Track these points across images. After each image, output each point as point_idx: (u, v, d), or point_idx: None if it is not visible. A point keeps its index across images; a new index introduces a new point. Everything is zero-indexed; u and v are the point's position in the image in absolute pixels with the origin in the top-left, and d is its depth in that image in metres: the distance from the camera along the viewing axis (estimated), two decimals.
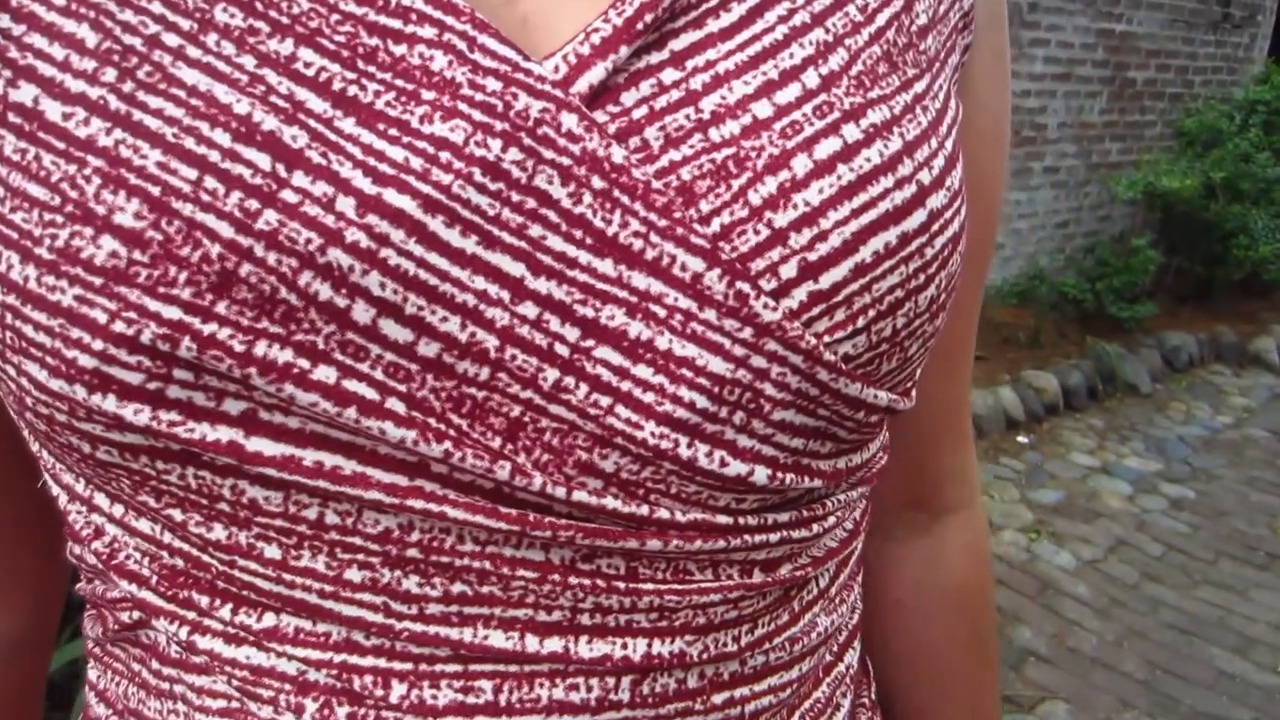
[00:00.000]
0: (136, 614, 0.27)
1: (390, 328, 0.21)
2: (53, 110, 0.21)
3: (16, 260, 0.21)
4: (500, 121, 0.21)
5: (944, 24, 0.30)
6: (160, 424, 0.21)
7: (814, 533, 0.28)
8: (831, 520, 0.30)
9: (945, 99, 0.29)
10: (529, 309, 0.22)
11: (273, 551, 0.24)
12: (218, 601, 0.25)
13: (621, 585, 0.25)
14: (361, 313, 0.21)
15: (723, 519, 0.26)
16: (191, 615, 0.25)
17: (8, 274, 0.21)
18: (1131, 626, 2.11)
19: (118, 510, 0.25)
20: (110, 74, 0.21)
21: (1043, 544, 2.42)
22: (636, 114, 0.23)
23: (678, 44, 0.24)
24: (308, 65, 0.21)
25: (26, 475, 0.34)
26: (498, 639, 0.25)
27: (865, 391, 0.26)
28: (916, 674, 0.43)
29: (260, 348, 0.21)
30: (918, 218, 0.25)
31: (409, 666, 0.25)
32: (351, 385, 0.21)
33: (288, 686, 0.25)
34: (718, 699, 0.28)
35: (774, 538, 0.27)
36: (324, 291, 0.21)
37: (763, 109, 0.24)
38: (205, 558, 0.24)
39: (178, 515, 0.24)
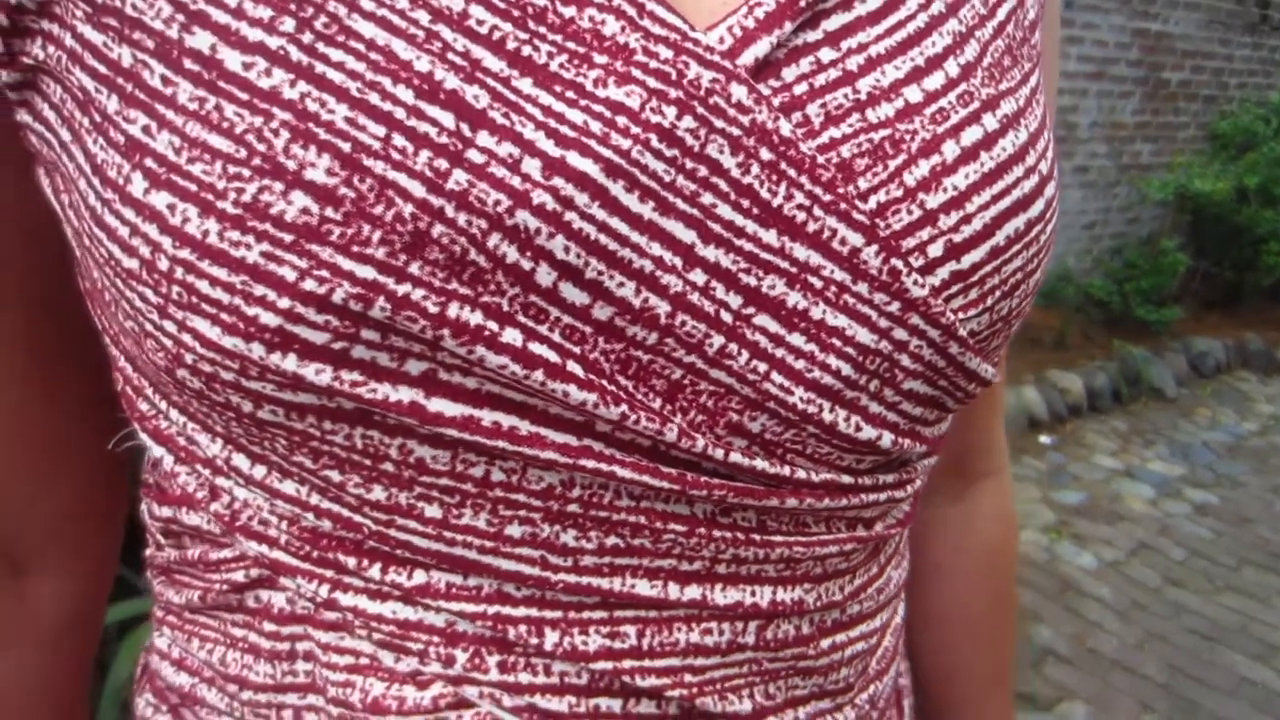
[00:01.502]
0: (255, 573, 0.27)
1: (569, 291, 0.22)
2: (232, 59, 0.20)
3: (195, 213, 0.20)
4: (674, 89, 0.21)
5: (1040, 19, 0.31)
6: (342, 384, 0.21)
7: (907, 493, 0.30)
8: (918, 482, 0.31)
9: (1045, 93, 0.30)
10: (698, 276, 0.23)
11: (434, 511, 0.24)
12: (365, 561, 0.25)
13: (757, 538, 0.27)
14: (544, 276, 0.21)
15: (846, 479, 0.27)
16: (330, 574, 0.25)
17: (183, 227, 0.20)
18: (1152, 630, 2.10)
19: (258, 472, 0.25)
20: (288, 23, 0.20)
21: (1064, 544, 2.40)
22: (797, 90, 0.23)
23: (830, 24, 0.24)
24: (480, 23, 0.21)
25: (104, 440, 0.34)
26: (643, 587, 0.26)
27: (980, 365, 0.27)
28: (950, 632, 0.46)
29: (453, 309, 0.21)
30: (1038, 206, 0.27)
31: (559, 615, 0.26)
32: (536, 348, 0.22)
33: (436, 639, 0.26)
34: (825, 644, 0.30)
35: (881, 497, 0.29)
36: (511, 254, 0.21)
37: (913, 94, 0.25)
38: (357, 518, 0.24)
39: (335, 476, 0.24)
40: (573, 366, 0.22)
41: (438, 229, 0.20)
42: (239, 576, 0.27)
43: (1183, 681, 1.93)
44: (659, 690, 0.27)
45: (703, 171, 0.22)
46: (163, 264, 0.21)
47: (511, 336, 0.21)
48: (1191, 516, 2.63)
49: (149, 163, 0.21)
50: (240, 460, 0.25)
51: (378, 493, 0.24)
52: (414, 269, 0.20)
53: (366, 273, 0.20)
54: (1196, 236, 4.08)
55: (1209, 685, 1.93)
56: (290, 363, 0.21)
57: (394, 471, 0.23)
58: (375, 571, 0.25)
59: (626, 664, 0.26)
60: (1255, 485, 2.85)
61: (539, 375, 0.22)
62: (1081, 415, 3.18)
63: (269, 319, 0.20)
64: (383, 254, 0.20)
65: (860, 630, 0.32)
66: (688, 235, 0.22)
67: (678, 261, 0.22)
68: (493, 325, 0.21)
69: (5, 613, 0.33)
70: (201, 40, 0.20)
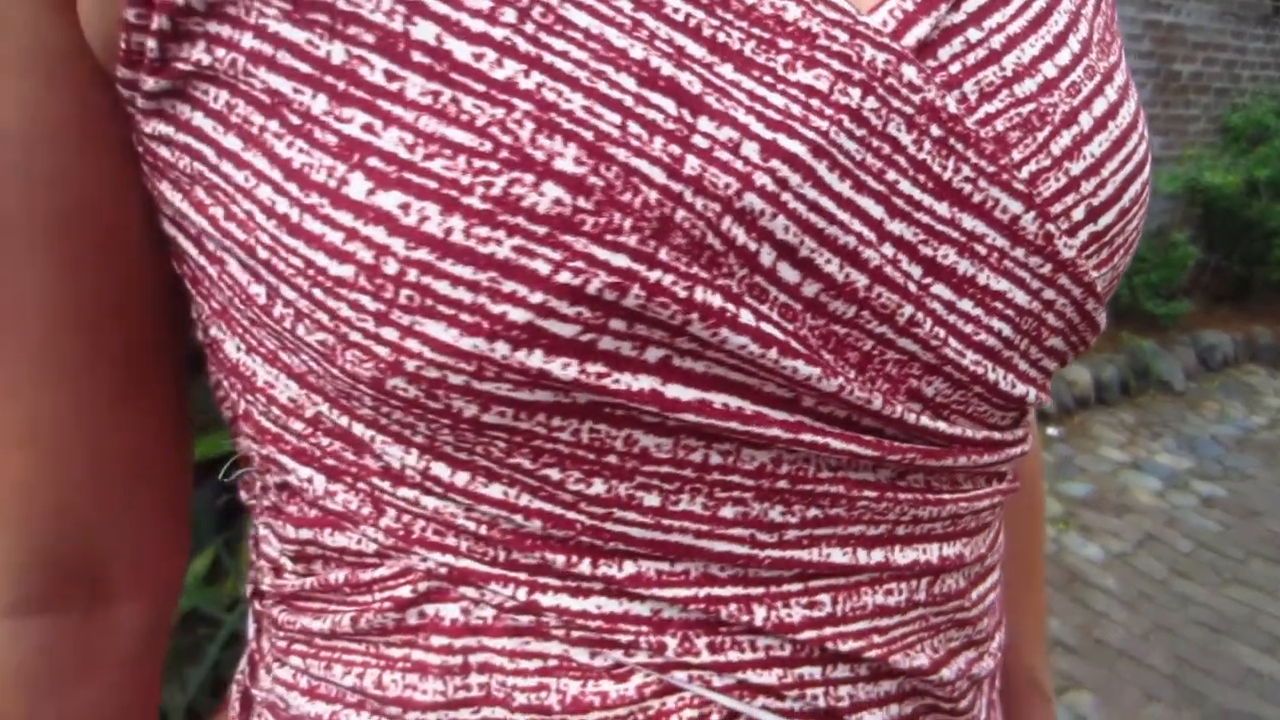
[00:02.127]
0: (425, 586, 0.26)
1: (785, 270, 0.22)
2: (461, 50, 0.20)
3: (435, 211, 0.19)
4: (856, 71, 0.22)
5: None
6: (588, 377, 0.21)
7: (1028, 445, 0.31)
8: (1031, 436, 0.33)
9: None
10: (888, 249, 0.24)
11: (652, 499, 0.24)
12: (575, 558, 0.25)
13: (931, 497, 0.28)
14: (766, 256, 0.22)
15: (997, 435, 0.29)
16: (524, 576, 0.25)
17: (419, 227, 0.19)
18: (1159, 621, 2.10)
19: (460, 479, 0.24)
20: (509, 14, 0.20)
21: (1071, 536, 2.40)
22: (953, 69, 0.25)
23: (969, 6, 0.25)
24: (676, 10, 0.21)
25: (183, 459, 0.32)
26: (837, 555, 0.27)
27: (1103, 319, 0.29)
28: None
29: (699, 293, 0.21)
30: (1148, 170, 0.29)
31: (762, 590, 0.26)
32: (766, 327, 0.22)
33: (645, 628, 0.26)
34: (974, 595, 0.32)
35: (1017, 450, 0.30)
36: (740, 236, 0.21)
37: (1049, 69, 0.27)
38: (571, 515, 0.24)
39: (555, 474, 0.23)
40: (795, 344, 0.23)
41: (680, 214, 0.20)
42: (404, 593, 0.26)
43: (1189, 672, 1.93)
44: (858, 653, 0.28)
45: (886, 149, 0.23)
46: (390, 267, 0.20)
47: (747, 317, 0.22)
48: (1199, 509, 2.62)
49: (373, 162, 0.20)
50: (440, 469, 0.24)
51: (597, 487, 0.24)
52: (663, 255, 0.20)
53: (621, 261, 0.20)
54: (1207, 230, 4.06)
55: (1215, 676, 1.93)
56: (536, 359, 0.20)
57: (617, 464, 0.24)
58: (585, 566, 0.25)
59: (827, 631, 0.27)
60: (1264, 478, 2.84)
61: (773, 353, 0.22)
62: (1089, 407, 3.17)
63: (518, 315, 0.20)
64: (634, 241, 0.20)
65: (992, 580, 0.33)
66: (877, 210, 0.23)
67: (873, 236, 0.23)
68: (731, 307, 0.21)
69: (88, 639, 0.31)
70: (426, 31, 0.20)
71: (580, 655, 0.26)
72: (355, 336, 0.21)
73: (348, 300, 0.21)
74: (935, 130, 0.23)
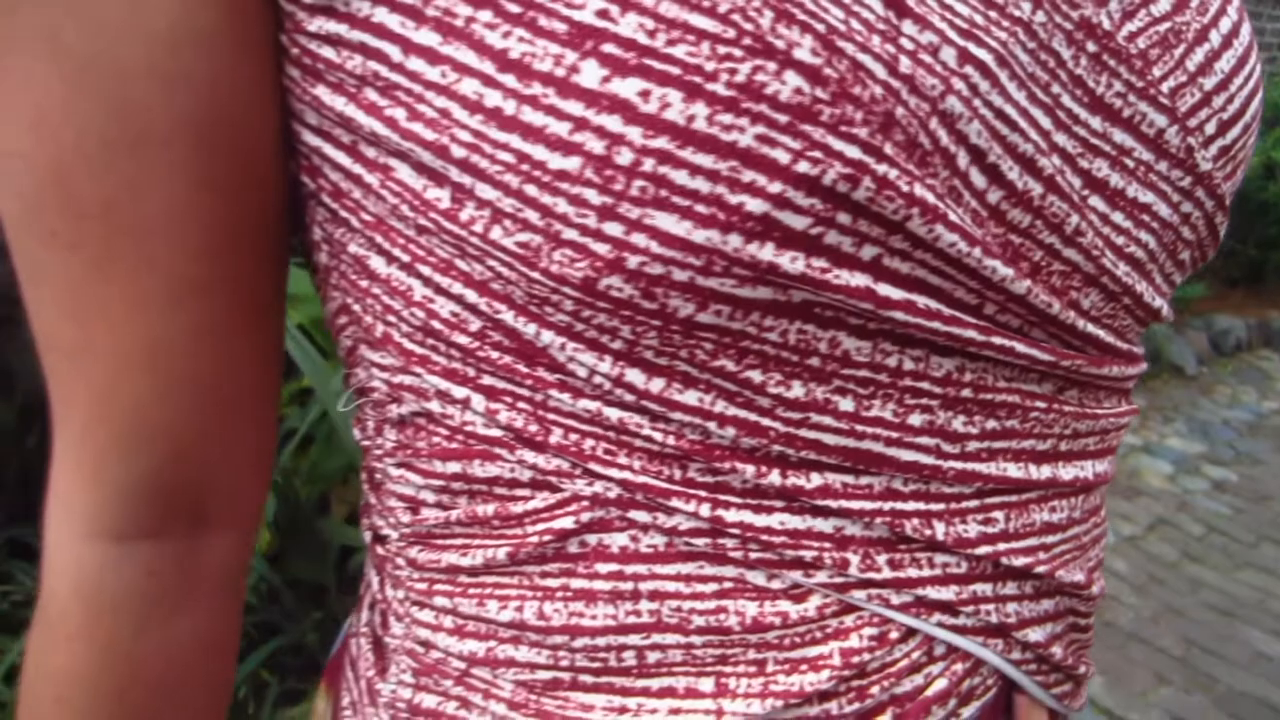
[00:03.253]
0: (588, 517, 0.25)
1: (975, 175, 0.23)
2: None
3: (678, 98, 0.19)
4: None
5: None
6: (814, 271, 0.21)
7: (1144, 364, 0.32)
8: None
9: None
10: (1056, 160, 0.24)
11: (847, 404, 0.25)
12: (764, 468, 0.25)
13: (1088, 410, 0.29)
14: (962, 159, 0.22)
15: (1135, 349, 0.30)
16: (704, 494, 0.25)
17: (660, 114, 0.19)
18: (1170, 604, 2.10)
19: (655, 385, 0.23)
20: None
21: None
22: None
23: None
24: None
25: (278, 388, 0.31)
26: (1013, 470, 0.28)
27: (1224, 232, 0.30)
28: None
29: (918, 189, 0.21)
30: (1261, 90, 0.30)
31: (942, 507, 0.27)
32: (968, 228, 0.23)
33: (828, 545, 0.26)
34: (1103, 511, 0.33)
35: (1144, 367, 0.31)
36: (944, 137, 0.22)
37: None
38: (765, 422, 0.24)
39: (756, 377, 0.23)
40: (990, 246, 0.23)
41: (899, 111, 0.20)
42: (566, 524, 0.26)
43: (1199, 655, 1.93)
44: (1028, 569, 0.28)
45: (1051, 63, 0.24)
46: (623, 157, 0.19)
47: (955, 217, 0.22)
48: (1210, 493, 2.62)
49: (609, 48, 0.19)
50: (634, 375, 0.23)
51: (796, 390, 0.24)
52: (888, 150, 0.20)
53: (854, 153, 0.20)
54: None
55: (1226, 659, 1.93)
56: (767, 252, 0.20)
57: (818, 366, 0.24)
58: (774, 477, 0.25)
59: (1001, 547, 0.28)
60: (1275, 463, 2.83)
61: (977, 252, 0.23)
62: None
63: (755, 206, 0.20)
64: (865, 134, 0.20)
65: (1107, 500, 0.34)
66: (1046, 122, 0.24)
67: (1045, 146, 0.24)
68: (941, 205, 0.22)
69: (190, 565, 0.29)
70: None
71: (757, 578, 0.26)
72: (570, 234, 0.20)
73: (568, 195, 0.20)
74: (1090, 46, 0.24)
